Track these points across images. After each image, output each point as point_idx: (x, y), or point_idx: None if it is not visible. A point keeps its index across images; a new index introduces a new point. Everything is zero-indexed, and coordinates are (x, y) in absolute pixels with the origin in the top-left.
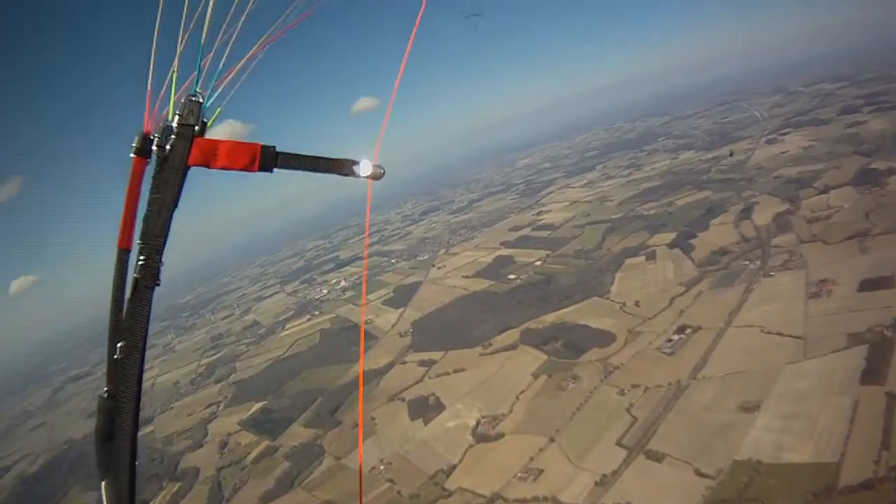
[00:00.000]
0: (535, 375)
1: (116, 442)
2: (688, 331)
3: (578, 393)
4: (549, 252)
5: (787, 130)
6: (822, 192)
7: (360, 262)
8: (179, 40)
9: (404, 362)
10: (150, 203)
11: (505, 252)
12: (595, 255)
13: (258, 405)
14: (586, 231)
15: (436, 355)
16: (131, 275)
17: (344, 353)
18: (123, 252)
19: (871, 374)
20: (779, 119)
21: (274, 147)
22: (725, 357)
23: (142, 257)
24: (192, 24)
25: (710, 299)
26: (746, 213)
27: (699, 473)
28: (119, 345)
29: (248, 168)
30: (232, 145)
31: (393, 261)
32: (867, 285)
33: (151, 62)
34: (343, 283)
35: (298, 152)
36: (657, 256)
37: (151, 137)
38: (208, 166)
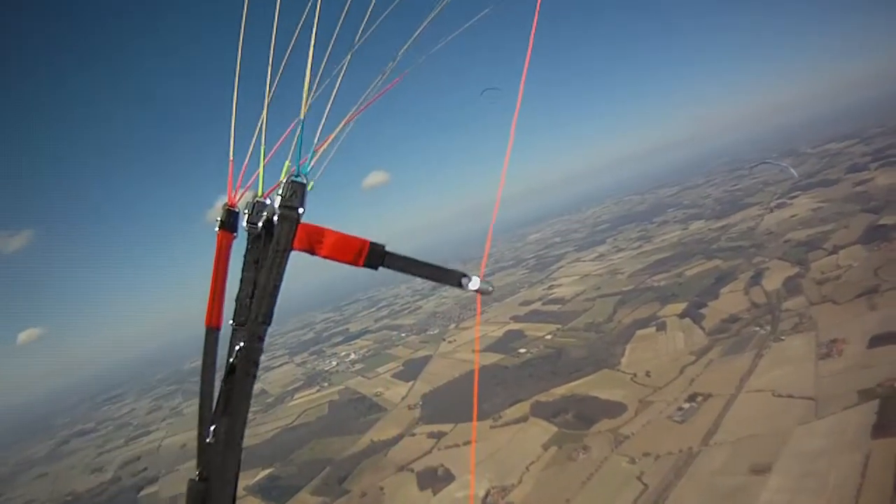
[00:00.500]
0: (545, 447)
1: None
2: (699, 398)
3: (589, 463)
4: (560, 326)
5: (796, 193)
6: (831, 253)
7: (369, 335)
8: (264, 109)
9: (413, 434)
10: (245, 283)
11: (515, 326)
12: (606, 328)
13: (265, 472)
14: (597, 304)
15: (445, 427)
16: (211, 354)
17: (353, 425)
18: (212, 331)
19: (883, 427)
20: (788, 182)
21: (383, 246)
22: (737, 422)
23: (242, 343)
24: (271, 89)
25: (720, 367)
26: (756, 279)
27: None
28: (212, 428)
29: (352, 262)
30: (339, 237)
31: (403, 335)
32: (877, 341)
33: (232, 131)
34: (353, 356)
35: (407, 255)
36: (668, 327)
37: (236, 211)
38: (312, 252)
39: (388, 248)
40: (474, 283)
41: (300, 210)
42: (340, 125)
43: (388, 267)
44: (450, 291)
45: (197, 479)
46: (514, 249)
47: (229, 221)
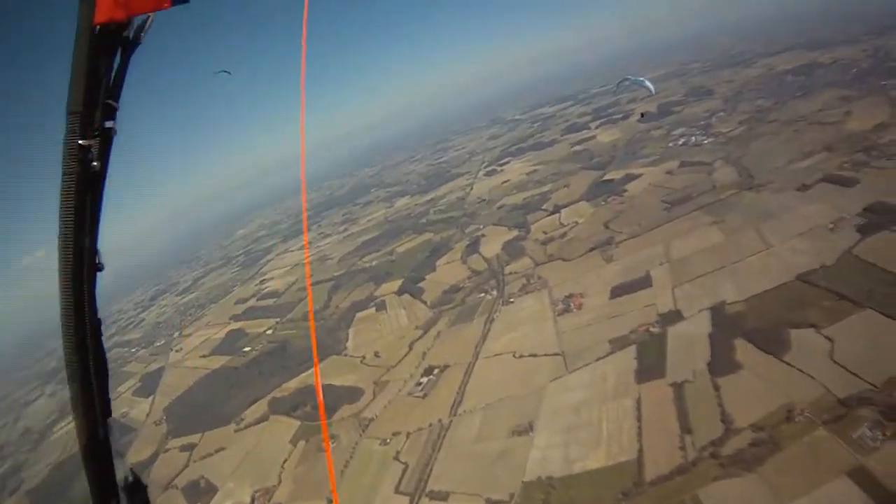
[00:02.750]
0: (294, 442)
1: None
2: (436, 371)
3: (341, 451)
4: (279, 319)
5: (507, 160)
6: (552, 213)
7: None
8: None
9: (167, 450)
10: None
11: (235, 325)
12: (324, 315)
13: None
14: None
15: (194, 438)
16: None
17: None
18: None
19: (648, 370)
20: (496, 151)
21: None
22: (482, 388)
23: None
24: None
25: (451, 337)
26: (473, 247)
27: (491, 502)
28: None
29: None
30: None
31: (133, 350)
32: (620, 290)
33: None
34: None
35: None
36: (387, 305)
37: None
38: (118, 18)
39: None
40: None
41: None
42: None
43: None
44: (168, 299)
45: None
46: (222, 248)
47: None
